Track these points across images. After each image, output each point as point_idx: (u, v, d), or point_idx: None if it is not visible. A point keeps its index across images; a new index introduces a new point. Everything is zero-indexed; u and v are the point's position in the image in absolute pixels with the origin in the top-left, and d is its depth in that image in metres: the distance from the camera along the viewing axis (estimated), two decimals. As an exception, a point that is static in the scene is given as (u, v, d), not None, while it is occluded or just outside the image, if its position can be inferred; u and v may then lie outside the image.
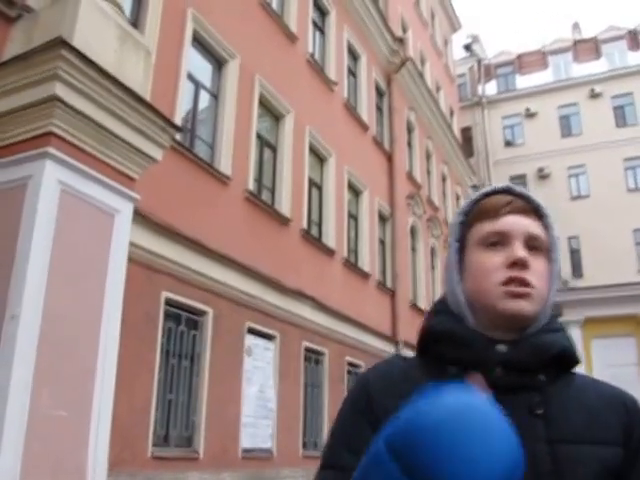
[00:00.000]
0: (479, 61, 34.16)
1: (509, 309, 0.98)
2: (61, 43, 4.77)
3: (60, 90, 4.79)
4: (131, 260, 6.00)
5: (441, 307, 1.09)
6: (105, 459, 5.18)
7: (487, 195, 1.08)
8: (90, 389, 5.03)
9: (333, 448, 1.02)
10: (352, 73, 14.96)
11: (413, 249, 17.35)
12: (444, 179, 21.71)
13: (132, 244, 6.07)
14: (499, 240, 1.01)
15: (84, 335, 5.04)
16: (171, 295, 7.68)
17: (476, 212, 1.06)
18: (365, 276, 13.63)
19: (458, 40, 32.94)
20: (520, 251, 0.99)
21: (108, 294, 5.24)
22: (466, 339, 1.01)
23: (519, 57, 33.87)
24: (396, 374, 1.04)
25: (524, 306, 0.98)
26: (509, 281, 0.98)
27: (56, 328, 4.76)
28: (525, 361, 0.99)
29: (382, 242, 15.36)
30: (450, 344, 1.02)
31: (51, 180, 4.79)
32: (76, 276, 4.99)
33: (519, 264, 0.98)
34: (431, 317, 1.09)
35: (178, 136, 7.37)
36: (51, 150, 4.79)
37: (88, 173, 5.08)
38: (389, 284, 15.07)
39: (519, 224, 1.02)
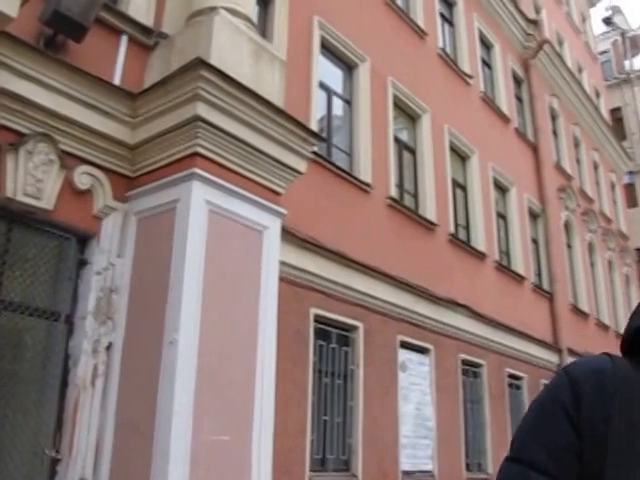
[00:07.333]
0: (623, 34, 31.93)
1: None
2: (200, 63, 4.82)
3: (202, 110, 4.84)
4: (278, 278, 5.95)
5: None
6: (269, 484, 5.11)
7: None
8: (249, 412, 5.00)
9: (524, 441, 1.00)
10: (486, 64, 14.35)
11: (569, 246, 16.24)
12: (596, 167, 20.24)
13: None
14: None
15: (241, 357, 5.03)
16: (320, 311, 7.59)
17: None
18: (519, 279, 12.89)
19: (597, 14, 30.97)
20: None
21: (262, 314, 5.21)
22: None
23: (670, 24, 31.25)
24: (607, 372, 0.98)
25: None
26: None
27: (213, 352, 4.78)
28: None
29: (535, 241, 14.50)
30: None
31: (199, 201, 4.83)
32: (229, 297, 4.99)
33: None
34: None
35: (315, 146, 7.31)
36: (197, 171, 4.84)
37: (234, 191, 5.10)
38: (546, 286, 14.16)
39: None
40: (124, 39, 5.56)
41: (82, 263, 5.18)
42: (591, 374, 0.99)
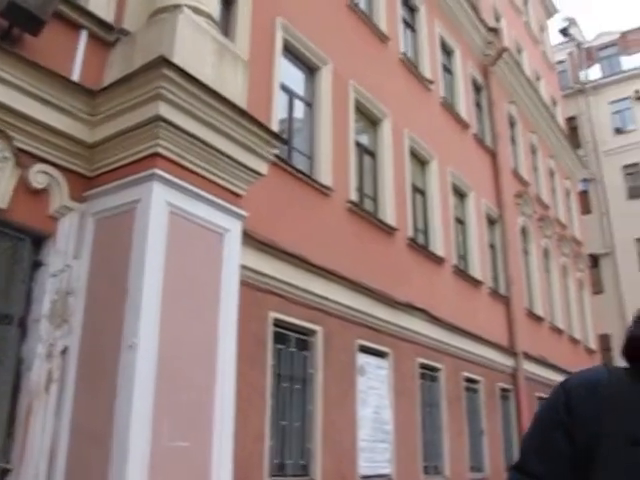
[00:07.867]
0: (578, 45, 32.88)
1: None
2: (163, 62, 4.76)
3: (164, 110, 4.79)
4: (238, 281, 5.92)
5: None
6: (229, 491, 5.08)
7: None
8: (209, 417, 4.96)
9: (522, 448, 1.09)
10: (447, 69, 14.59)
11: (525, 252, 16.63)
12: (552, 174, 20.76)
13: (239, 264, 5.99)
14: None
15: (201, 361, 4.99)
16: (279, 315, 7.59)
17: None
18: (477, 284, 13.13)
19: (554, 25, 31.87)
20: None
21: (222, 318, 5.18)
22: None
23: (623, 36, 32.38)
24: (603, 381, 1.02)
25: None
26: None
27: (173, 356, 4.72)
28: None
29: (492, 246, 14.79)
30: None
31: (160, 202, 4.78)
32: (189, 301, 4.95)
33: None
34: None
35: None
36: (158, 171, 4.78)
37: (195, 193, 5.05)
38: (502, 291, 14.46)
39: None
40: (83, 34, 5.46)
41: (37, 264, 5.06)
42: (586, 382, 1.04)
